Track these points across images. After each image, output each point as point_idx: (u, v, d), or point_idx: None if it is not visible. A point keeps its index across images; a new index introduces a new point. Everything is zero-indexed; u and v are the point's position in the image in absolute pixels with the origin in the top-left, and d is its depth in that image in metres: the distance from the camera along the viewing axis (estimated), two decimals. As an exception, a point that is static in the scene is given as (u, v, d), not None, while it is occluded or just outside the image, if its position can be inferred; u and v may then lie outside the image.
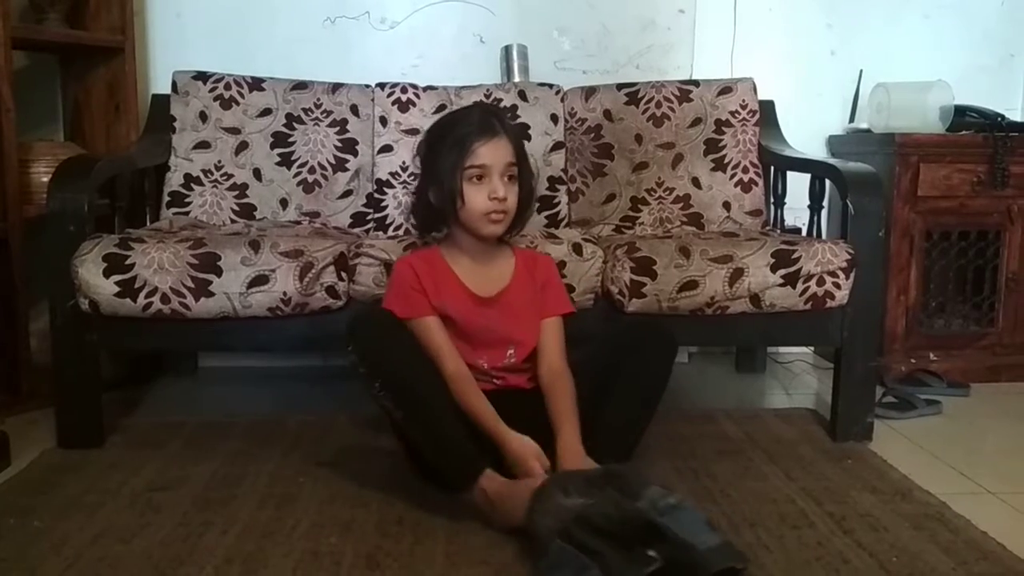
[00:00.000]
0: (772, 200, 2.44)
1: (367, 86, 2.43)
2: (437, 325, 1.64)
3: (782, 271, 1.86)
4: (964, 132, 2.52)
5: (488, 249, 1.73)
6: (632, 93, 2.46)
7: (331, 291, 1.83)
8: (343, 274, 1.85)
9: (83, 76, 2.45)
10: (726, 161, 2.41)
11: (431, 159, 1.70)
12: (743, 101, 2.45)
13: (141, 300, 1.76)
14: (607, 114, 2.44)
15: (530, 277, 1.74)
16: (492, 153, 1.64)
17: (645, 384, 1.62)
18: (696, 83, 2.50)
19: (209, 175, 2.30)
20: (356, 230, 2.31)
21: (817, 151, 2.77)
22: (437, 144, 1.69)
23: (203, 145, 2.31)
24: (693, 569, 1.19)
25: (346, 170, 2.36)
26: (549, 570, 1.25)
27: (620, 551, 1.21)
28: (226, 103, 2.34)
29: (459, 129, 1.66)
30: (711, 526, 1.30)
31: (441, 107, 2.39)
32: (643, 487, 1.34)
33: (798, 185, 2.32)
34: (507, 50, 2.61)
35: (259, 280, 1.78)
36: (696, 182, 2.40)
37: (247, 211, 2.30)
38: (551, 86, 2.47)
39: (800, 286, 1.87)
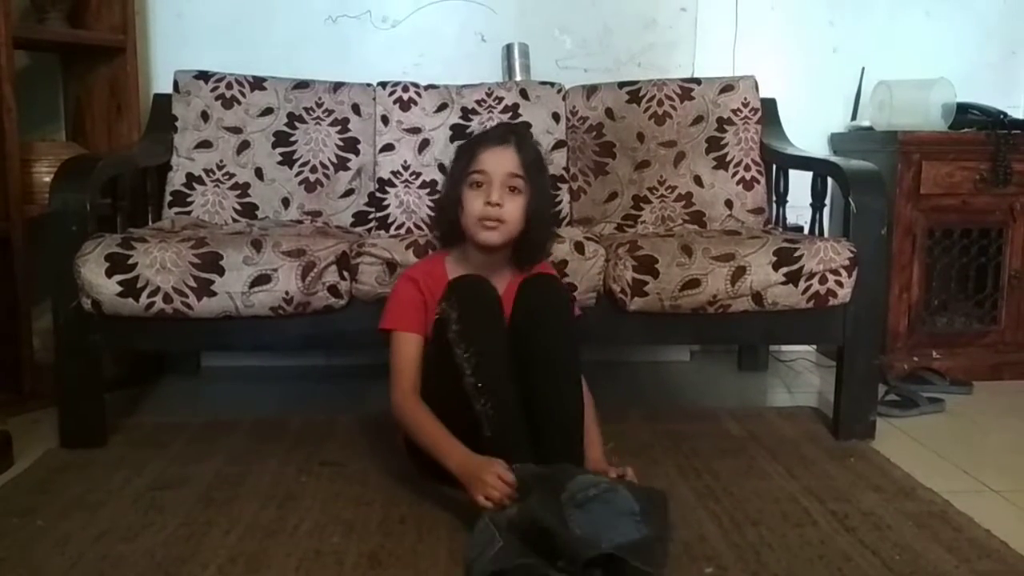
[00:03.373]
0: (774, 198, 2.44)
1: (368, 85, 2.43)
2: (415, 344, 1.65)
3: (784, 269, 1.86)
4: (966, 130, 2.51)
5: (493, 266, 1.71)
6: (634, 91, 2.46)
7: (333, 290, 1.83)
8: (345, 273, 1.85)
9: (84, 76, 2.45)
10: (728, 159, 2.41)
11: (450, 170, 1.75)
12: (745, 99, 2.45)
13: (143, 300, 1.76)
14: (609, 112, 2.44)
15: None
16: (494, 160, 1.65)
17: (553, 373, 1.56)
18: (698, 81, 2.50)
19: (211, 174, 2.30)
20: (358, 229, 2.30)
21: (819, 149, 2.77)
22: (455, 156, 1.75)
23: (205, 144, 2.31)
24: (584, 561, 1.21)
25: (348, 169, 2.36)
26: (470, 545, 1.32)
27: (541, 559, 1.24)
28: (228, 102, 2.34)
29: (474, 140, 1.71)
30: (641, 517, 1.30)
31: (443, 106, 2.39)
32: (570, 480, 1.36)
33: (800, 183, 2.32)
34: (508, 49, 2.61)
35: (261, 279, 1.78)
36: (698, 180, 2.40)
37: (249, 210, 2.30)
38: (552, 84, 2.47)
39: (802, 284, 1.87)
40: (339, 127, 2.38)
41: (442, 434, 1.54)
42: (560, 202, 2.38)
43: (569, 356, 1.58)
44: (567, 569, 1.21)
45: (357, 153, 2.38)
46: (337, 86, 2.41)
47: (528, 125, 2.37)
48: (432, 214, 2.20)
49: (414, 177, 2.35)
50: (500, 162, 1.65)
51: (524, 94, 2.42)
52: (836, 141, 2.80)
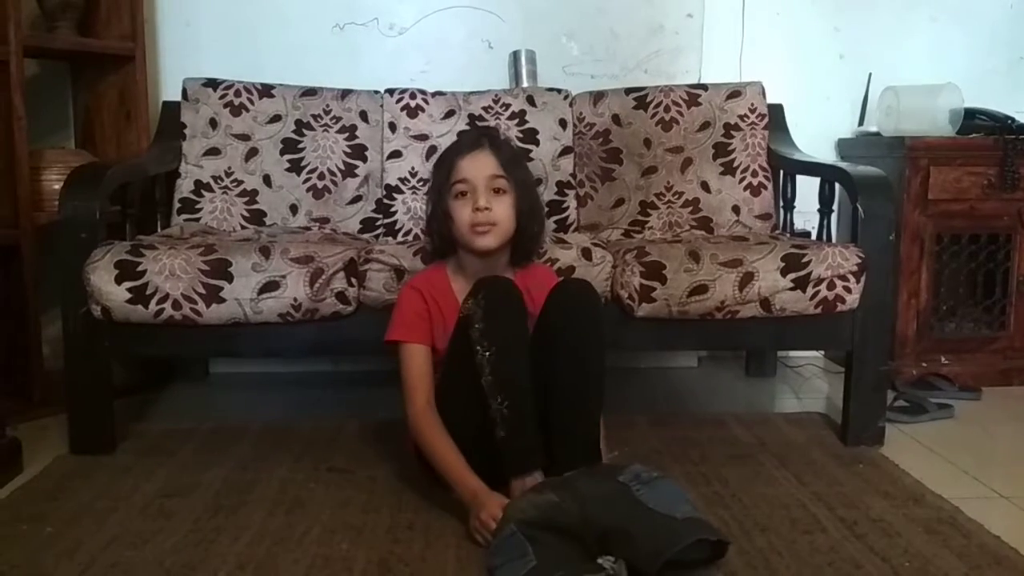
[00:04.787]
0: (781, 204, 2.44)
1: (376, 92, 2.44)
2: (424, 355, 1.66)
3: (792, 275, 1.86)
4: (974, 135, 2.51)
5: (492, 269, 1.70)
6: (641, 97, 2.46)
7: (341, 297, 1.84)
8: (353, 280, 1.85)
9: (94, 84, 2.47)
10: (735, 165, 2.41)
11: (431, 185, 1.76)
12: (752, 105, 2.45)
13: (153, 306, 1.77)
14: (616, 119, 2.45)
15: (525, 291, 1.67)
16: (472, 166, 1.65)
17: (579, 374, 1.57)
18: (705, 87, 2.50)
19: (219, 181, 2.31)
20: (366, 236, 2.31)
21: (826, 155, 2.76)
22: (434, 170, 1.76)
23: (213, 152, 2.32)
24: (670, 539, 1.21)
25: (355, 176, 2.37)
26: (494, 552, 1.32)
27: (572, 551, 1.25)
28: (236, 110, 2.35)
29: (449, 151, 1.72)
30: (693, 505, 1.34)
31: (450, 112, 2.40)
32: (626, 467, 1.39)
33: (807, 189, 2.32)
34: (515, 55, 2.61)
35: (270, 286, 1.79)
36: (705, 186, 2.40)
37: (257, 217, 2.31)
38: (559, 91, 2.48)
39: (810, 290, 1.86)
40: (347, 134, 2.38)
41: (455, 459, 1.54)
42: (567, 208, 2.39)
43: (597, 359, 1.58)
44: (639, 556, 1.20)
45: (365, 160, 2.38)
46: (345, 93, 2.42)
47: (535, 131, 2.38)
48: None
49: (421, 184, 2.36)
50: (479, 167, 1.65)
51: (531, 101, 2.43)
52: (843, 147, 2.80)
